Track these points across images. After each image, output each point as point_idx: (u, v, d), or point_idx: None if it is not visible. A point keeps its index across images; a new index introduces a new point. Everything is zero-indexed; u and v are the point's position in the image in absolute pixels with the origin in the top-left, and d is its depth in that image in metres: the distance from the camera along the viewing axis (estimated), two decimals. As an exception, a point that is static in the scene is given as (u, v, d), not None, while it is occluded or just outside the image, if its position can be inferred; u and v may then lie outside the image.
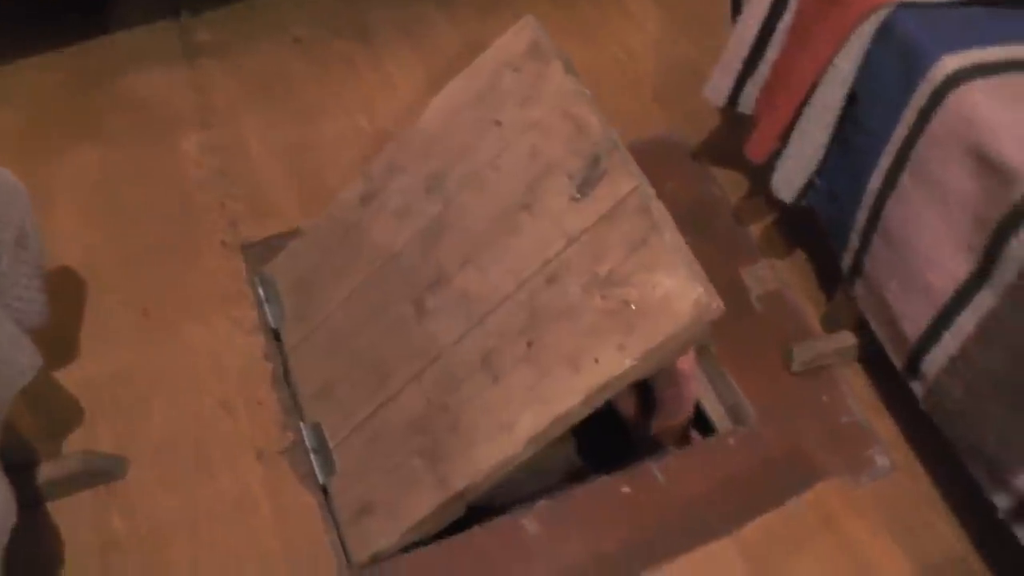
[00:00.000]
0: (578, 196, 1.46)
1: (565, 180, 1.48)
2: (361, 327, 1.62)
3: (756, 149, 1.68)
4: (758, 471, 1.58)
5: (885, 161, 1.46)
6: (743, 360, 1.72)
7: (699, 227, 1.89)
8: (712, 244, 1.87)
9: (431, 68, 2.21)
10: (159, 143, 2.06)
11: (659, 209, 1.42)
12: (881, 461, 1.61)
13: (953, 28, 1.41)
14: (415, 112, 2.07)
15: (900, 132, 1.42)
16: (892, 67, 1.44)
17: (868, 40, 1.47)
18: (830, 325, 1.74)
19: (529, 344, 1.43)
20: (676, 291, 1.33)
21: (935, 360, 1.43)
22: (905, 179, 1.43)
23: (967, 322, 1.36)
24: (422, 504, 1.45)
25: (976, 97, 1.32)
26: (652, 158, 1.99)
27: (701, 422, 1.70)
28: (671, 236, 1.39)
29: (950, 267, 1.38)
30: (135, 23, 2.30)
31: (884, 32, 1.45)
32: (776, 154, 1.65)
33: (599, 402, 1.38)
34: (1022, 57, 1.37)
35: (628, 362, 1.35)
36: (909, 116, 1.40)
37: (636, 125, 2.06)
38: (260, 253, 1.85)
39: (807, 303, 1.80)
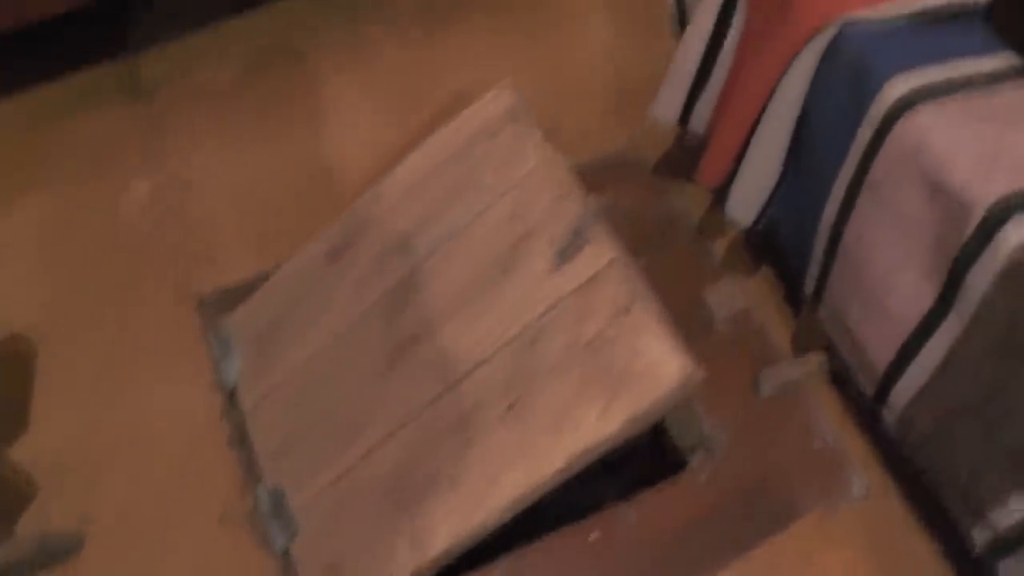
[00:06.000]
0: (559, 261, 1.49)
1: (546, 245, 1.51)
2: (327, 386, 1.60)
3: (708, 173, 1.62)
4: (731, 506, 1.54)
5: (841, 185, 1.40)
6: (710, 385, 1.64)
7: (659, 244, 1.84)
8: (673, 262, 1.81)
9: (380, 92, 2.15)
10: (109, 188, 2.00)
11: (640, 278, 1.44)
12: (857, 486, 1.56)
13: (901, 46, 1.35)
14: (366, 143, 2.04)
15: (854, 156, 1.37)
16: (842, 88, 1.38)
17: (816, 60, 1.41)
18: (799, 346, 1.70)
19: (510, 406, 1.43)
20: (661, 359, 1.36)
21: (904, 389, 1.38)
22: (862, 204, 1.37)
23: (934, 352, 1.31)
24: (398, 568, 1.42)
25: (926, 120, 1.26)
26: (610, 175, 1.95)
27: (670, 452, 1.66)
28: (654, 304, 1.41)
29: (912, 295, 1.32)
30: (83, 62, 2.24)
31: (832, 52, 1.39)
32: (730, 177, 1.59)
33: (582, 465, 1.37)
34: (970, 75, 1.31)
35: (612, 426, 1.35)
36: (862, 140, 1.34)
37: (591, 141, 2.00)
38: (215, 304, 1.80)
39: (775, 322, 1.74)
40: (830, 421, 1.63)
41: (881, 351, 1.40)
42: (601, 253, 1.47)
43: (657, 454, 1.65)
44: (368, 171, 1.98)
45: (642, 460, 1.64)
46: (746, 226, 1.60)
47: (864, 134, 1.34)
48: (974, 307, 1.23)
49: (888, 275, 1.35)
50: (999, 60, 1.34)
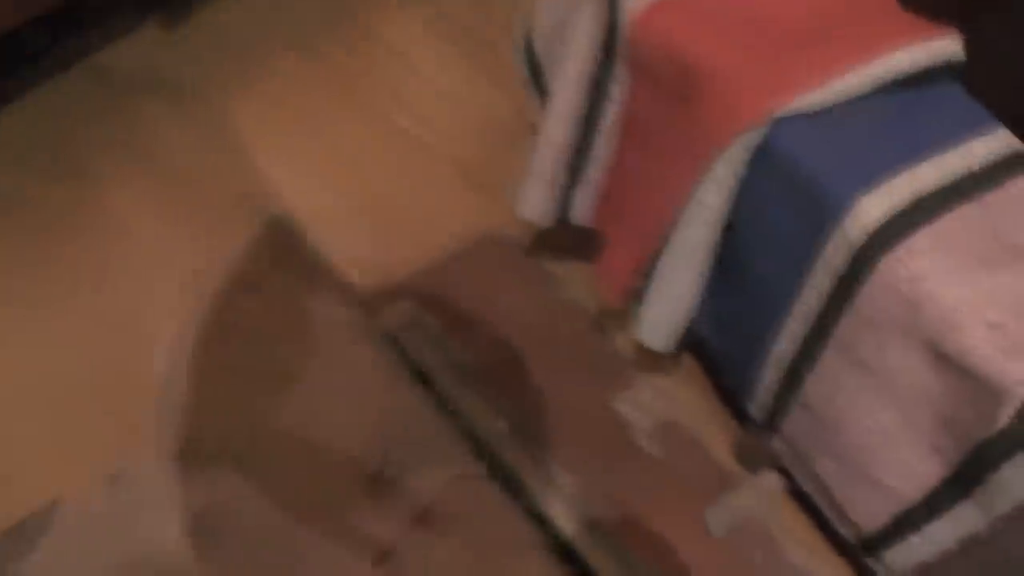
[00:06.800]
0: None
1: None
2: None
3: (609, 288, 1.27)
4: None
5: (795, 326, 1.07)
6: (650, 531, 1.35)
7: (551, 347, 1.47)
8: (572, 371, 1.45)
9: (171, 203, 1.59)
10: None
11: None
12: (841, 629, 1.30)
13: (862, 145, 1.00)
14: (167, 277, 1.55)
15: (810, 296, 1.03)
16: (786, 202, 1.03)
17: (741, 166, 1.05)
18: (748, 462, 1.38)
19: None
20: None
21: (901, 557, 1.10)
22: (829, 357, 1.04)
23: (944, 534, 1.03)
24: None
25: (920, 267, 0.94)
26: (479, 268, 1.56)
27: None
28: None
29: (910, 467, 1.03)
30: None
31: (763, 156, 1.03)
32: (638, 292, 1.24)
33: None
34: (960, 174, 0.98)
35: None
36: (821, 278, 1.00)
37: (449, 224, 1.56)
38: (9, 551, 1.36)
39: (712, 431, 1.41)
40: (799, 545, 1.34)
41: (868, 516, 1.11)
42: None
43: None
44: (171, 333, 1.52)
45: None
46: (663, 351, 1.25)
47: (825, 273, 1.00)
48: (1008, 507, 0.94)
49: (875, 442, 1.04)
50: (990, 142, 1.01)
